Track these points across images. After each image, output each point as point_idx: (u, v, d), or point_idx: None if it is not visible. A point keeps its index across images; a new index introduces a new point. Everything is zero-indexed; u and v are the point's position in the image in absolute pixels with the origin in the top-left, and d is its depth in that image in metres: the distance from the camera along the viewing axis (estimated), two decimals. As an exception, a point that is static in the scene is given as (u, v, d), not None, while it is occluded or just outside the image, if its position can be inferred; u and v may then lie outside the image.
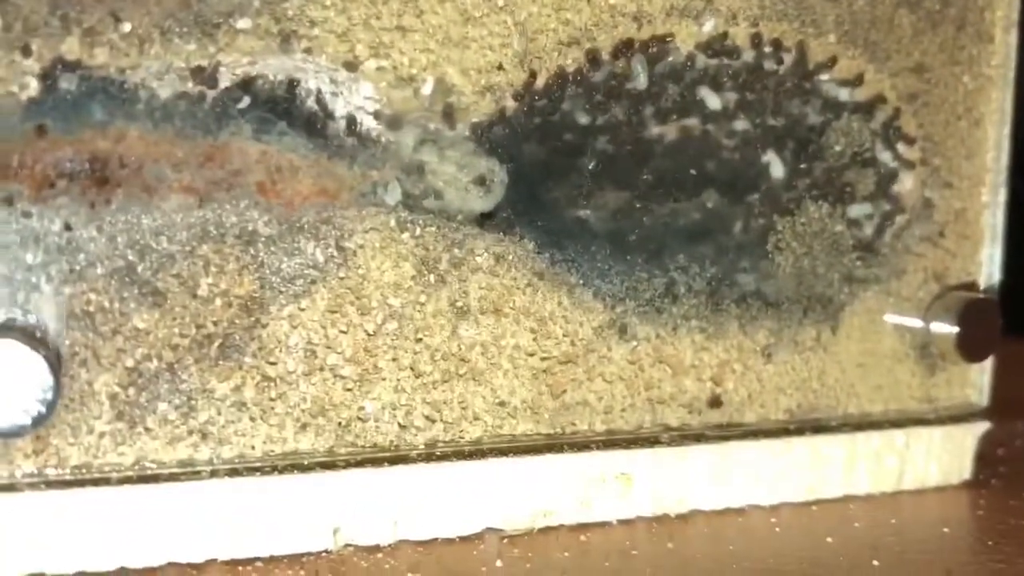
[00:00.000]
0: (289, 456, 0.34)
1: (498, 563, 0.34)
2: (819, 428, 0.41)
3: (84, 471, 0.32)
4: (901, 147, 0.41)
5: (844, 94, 0.40)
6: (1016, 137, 0.43)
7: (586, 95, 0.37)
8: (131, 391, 0.32)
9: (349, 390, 0.35)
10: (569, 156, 0.37)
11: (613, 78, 0.37)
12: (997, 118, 0.42)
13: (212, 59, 0.32)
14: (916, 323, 0.42)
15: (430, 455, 0.36)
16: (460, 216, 0.36)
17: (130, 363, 0.32)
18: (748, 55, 0.38)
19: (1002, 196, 0.43)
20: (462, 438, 0.36)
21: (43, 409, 0.30)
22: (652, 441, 0.38)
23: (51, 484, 0.32)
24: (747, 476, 0.40)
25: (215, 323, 0.33)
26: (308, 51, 0.33)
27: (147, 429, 0.33)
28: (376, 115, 0.34)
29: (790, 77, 0.39)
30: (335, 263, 0.34)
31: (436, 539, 0.36)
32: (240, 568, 0.33)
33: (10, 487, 0.32)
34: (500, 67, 0.35)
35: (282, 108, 0.33)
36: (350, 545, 0.35)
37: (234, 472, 0.33)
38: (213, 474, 0.33)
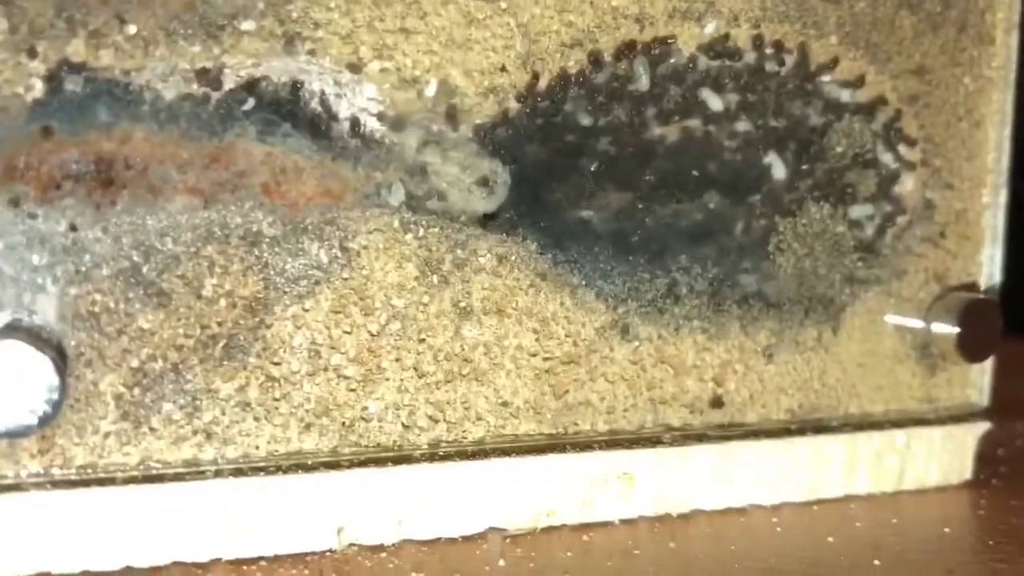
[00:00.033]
0: (293, 456, 0.34)
1: (501, 563, 0.34)
2: (820, 428, 0.41)
3: (89, 471, 0.32)
4: (902, 148, 0.41)
5: (845, 95, 0.40)
6: (1017, 138, 0.43)
7: (588, 97, 0.37)
8: (136, 391, 0.33)
9: (353, 390, 0.35)
10: (571, 157, 0.37)
11: (615, 80, 0.37)
12: (998, 119, 0.43)
13: (217, 61, 0.33)
14: (917, 323, 0.42)
15: (433, 455, 0.36)
16: (463, 217, 0.36)
17: (135, 363, 0.32)
18: (750, 57, 0.39)
19: (1003, 197, 0.43)
20: (465, 438, 0.36)
21: (49, 409, 0.31)
22: (654, 441, 0.39)
23: (56, 484, 0.32)
24: (749, 476, 0.40)
25: (220, 324, 0.33)
26: (312, 53, 0.33)
27: (152, 429, 0.33)
28: (380, 117, 0.34)
29: (792, 79, 0.39)
30: (339, 264, 0.34)
31: (439, 539, 0.36)
32: (244, 567, 0.33)
33: (16, 487, 0.32)
34: (503, 69, 0.36)
35: (286, 110, 0.33)
36: (354, 544, 0.35)
37: (238, 472, 0.34)
38: (217, 474, 0.33)
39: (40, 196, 0.31)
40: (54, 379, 0.30)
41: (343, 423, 0.35)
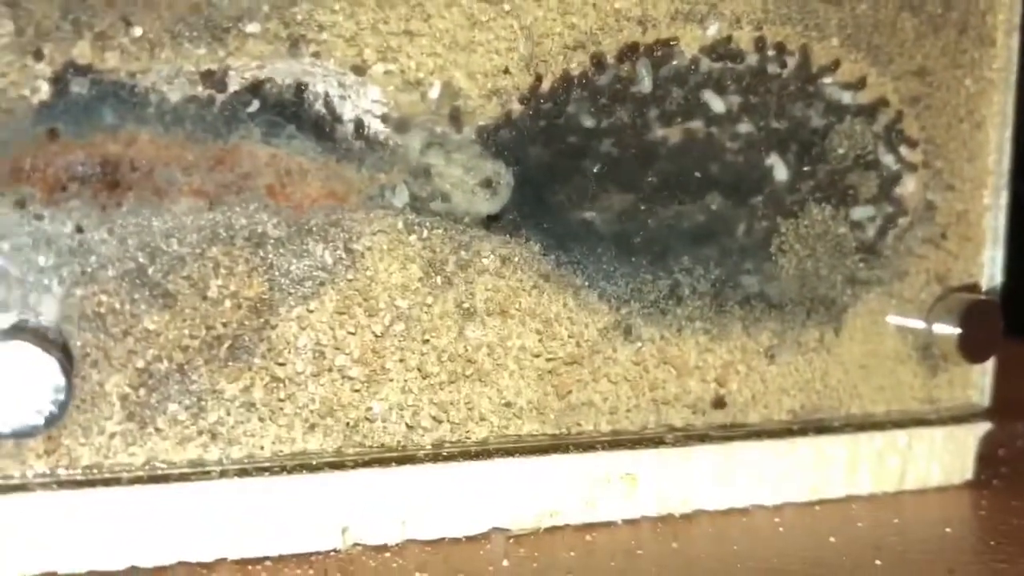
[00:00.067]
0: (298, 456, 0.34)
1: (504, 562, 0.35)
2: (822, 429, 0.41)
3: (95, 471, 0.33)
4: (903, 150, 0.41)
5: (847, 97, 0.40)
6: (1017, 140, 0.43)
7: (591, 98, 0.37)
8: (142, 392, 0.33)
9: (357, 391, 0.35)
10: (574, 159, 0.37)
11: (618, 81, 0.37)
12: (999, 121, 0.43)
13: (221, 63, 0.33)
14: (918, 324, 0.42)
15: (437, 455, 0.36)
16: (467, 218, 0.36)
17: (141, 364, 0.33)
18: (752, 59, 0.39)
19: (1004, 198, 0.43)
20: (468, 438, 0.36)
21: (55, 410, 0.31)
22: (657, 441, 0.39)
23: (63, 484, 0.32)
24: (751, 476, 0.40)
25: (225, 324, 0.33)
26: (316, 55, 0.34)
27: (157, 429, 0.33)
28: (384, 118, 0.35)
29: (793, 80, 0.39)
30: (343, 265, 0.34)
31: (443, 539, 0.36)
32: (249, 567, 0.34)
33: (22, 487, 0.32)
34: (506, 71, 0.36)
35: (291, 112, 0.33)
36: (358, 544, 0.35)
37: (243, 472, 0.34)
38: (223, 474, 0.34)
39: (46, 198, 0.31)
40: (60, 380, 0.31)
41: (347, 423, 0.35)
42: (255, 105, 0.33)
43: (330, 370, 0.35)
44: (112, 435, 0.33)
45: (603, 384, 0.38)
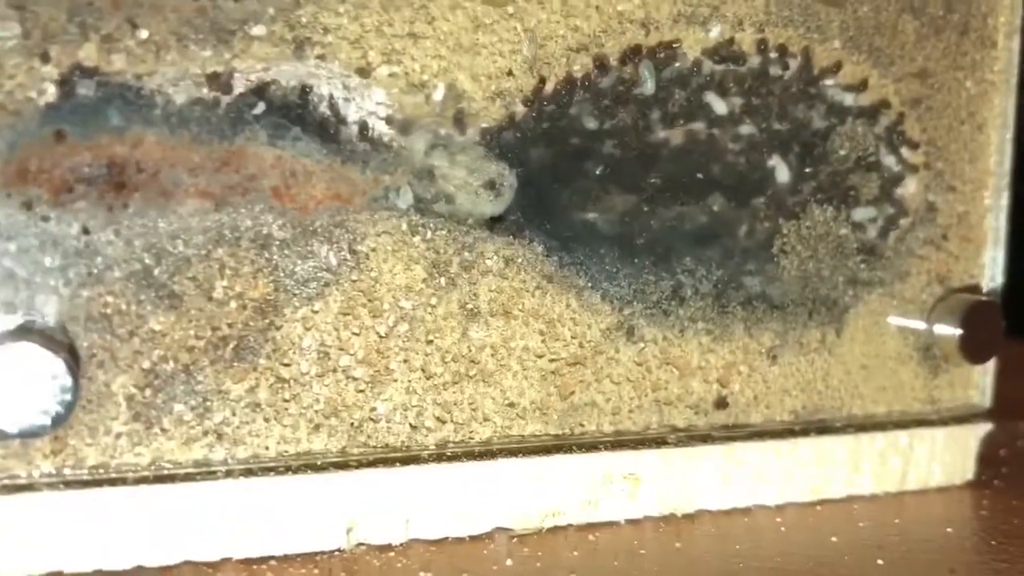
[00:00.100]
0: (302, 456, 0.35)
1: (508, 562, 0.35)
2: (824, 429, 0.41)
3: (101, 471, 0.33)
4: (905, 151, 0.42)
5: (849, 99, 0.41)
6: (1018, 141, 0.44)
7: (594, 100, 0.37)
8: (147, 392, 0.33)
9: (361, 391, 0.35)
10: (577, 160, 0.37)
11: (621, 83, 0.37)
12: (1000, 122, 0.43)
13: (227, 65, 0.33)
14: (919, 325, 0.42)
15: (441, 455, 0.36)
16: (470, 220, 0.36)
17: (147, 365, 0.33)
18: (754, 61, 0.39)
19: (1005, 200, 0.43)
20: (472, 439, 0.37)
21: (62, 410, 0.31)
22: (659, 442, 0.39)
23: (69, 484, 0.32)
24: (753, 476, 0.40)
25: (230, 325, 0.33)
26: (321, 57, 0.34)
27: (163, 430, 0.33)
28: (388, 120, 0.35)
29: (795, 82, 0.40)
30: (348, 266, 0.35)
31: (447, 538, 0.36)
32: (255, 567, 0.34)
33: (29, 487, 0.32)
34: (510, 73, 0.36)
35: (296, 114, 0.34)
36: (363, 544, 0.35)
37: (248, 472, 0.34)
38: (228, 474, 0.34)
39: (53, 199, 0.32)
40: (67, 380, 0.31)
41: (352, 424, 0.35)
42: (260, 107, 0.33)
43: (335, 371, 0.35)
44: (118, 435, 0.33)
45: (606, 384, 0.38)
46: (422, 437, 0.36)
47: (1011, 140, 0.43)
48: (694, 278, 0.39)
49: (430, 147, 0.35)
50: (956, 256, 0.43)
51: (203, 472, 0.34)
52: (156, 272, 0.33)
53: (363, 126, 0.34)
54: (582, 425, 0.38)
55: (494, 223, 0.36)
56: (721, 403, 0.40)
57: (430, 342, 0.36)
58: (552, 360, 0.37)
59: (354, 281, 0.35)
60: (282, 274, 0.34)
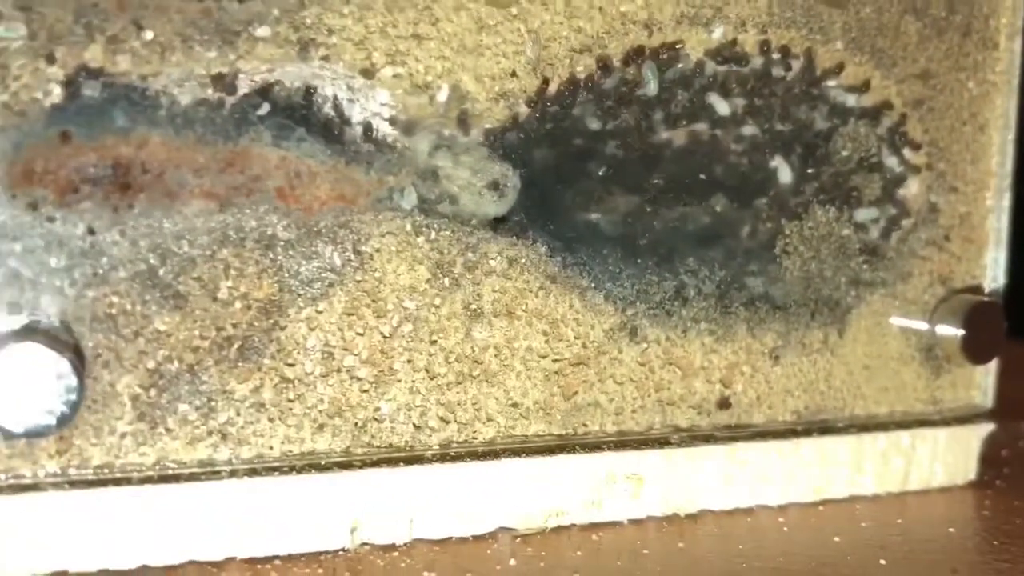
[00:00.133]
0: (307, 456, 0.35)
1: (512, 562, 0.35)
2: (826, 429, 0.41)
3: (106, 471, 0.33)
4: (907, 152, 0.42)
5: (851, 100, 0.41)
6: (1020, 142, 0.44)
7: (597, 101, 0.37)
8: (152, 392, 0.33)
9: (365, 391, 0.35)
10: (580, 161, 0.37)
11: (624, 84, 0.37)
12: (1001, 123, 0.43)
13: (232, 66, 0.33)
14: (922, 326, 0.42)
15: (444, 455, 0.36)
16: (474, 220, 0.36)
17: (152, 365, 0.33)
18: (757, 62, 0.39)
19: (1006, 200, 0.43)
20: (475, 439, 0.37)
21: (67, 410, 0.31)
22: (662, 442, 0.39)
23: (74, 484, 0.32)
24: (756, 477, 0.40)
25: (235, 325, 0.34)
26: (326, 58, 0.34)
27: (168, 430, 0.33)
28: (392, 121, 0.35)
29: (798, 83, 0.40)
30: (352, 266, 0.35)
31: (451, 538, 0.36)
32: (259, 566, 0.34)
33: (34, 486, 0.32)
34: (513, 74, 0.36)
35: (300, 115, 0.34)
36: (367, 544, 0.35)
37: (253, 472, 0.34)
38: (232, 474, 0.34)
39: (58, 200, 0.32)
40: (72, 380, 0.31)
41: (356, 424, 0.35)
42: (265, 108, 0.33)
43: (339, 371, 0.35)
44: (123, 435, 0.33)
45: (609, 385, 0.38)
46: (426, 437, 0.36)
47: (1013, 141, 0.43)
48: (697, 279, 0.39)
49: (434, 148, 0.35)
50: (958, 257, 0.43)
51: (207, 472, 0.34)
52: (161, 272, 0.33)
53: (367, 127, 0.35)
54: (585, 425, 0.38)
55: (498, 224, 0.36)
56: (724, 403, 0.40)
57: (434, 342, 0.36)
58: (555, 360, 0.37)
59: (358, 281, 0.35)
60: (286, 274, 0.34)
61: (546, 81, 0.36)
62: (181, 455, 0.33)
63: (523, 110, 0.36)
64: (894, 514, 0.40)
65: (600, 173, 0.38)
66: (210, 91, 0.33)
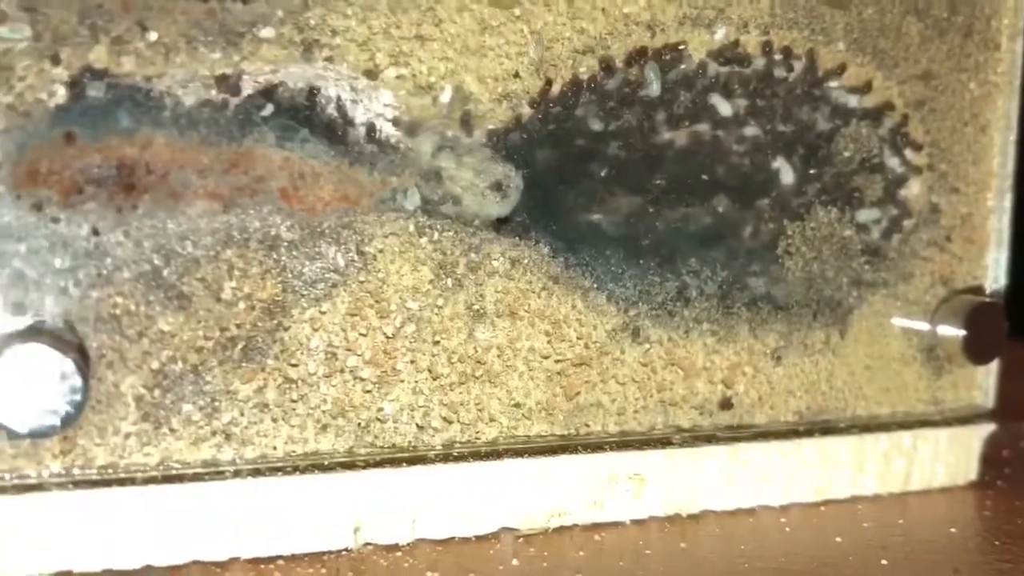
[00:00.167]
0: (310, 456, 0.35)
1: (514, 562, 0.35)
2: (828, 430, 0.41)
3: (110, 471, 0.33)
4: (909, 153, 0.42)
5: (853, 101, 0.41)
6: (1022, 143, 0.44)
7: (600, 102, 0.37)
8: (156, 393, 0.33)
9: (368, 392, 0.35)
10: (583, 162, 0.37)
11: (626, 85, 0.37)
12: (1003, 124, 0.43)
13: (236, 67, 0.33)
14: (923, 326, 0.42)
15: (447, 455, 0.36)
16: (477, 221, 0.36)
17: (156, 365, 0.33)
18: (759, 63, 0.39)
19: (1008, 201, 0.43)
20: (478, 439, 0.37)
21: (71, 410, 0.31)
22: (664, 442, 0.39)
23: (78, 484, 0.33)
24: (757, 477, 0.40)
25: (238, 326, 0.34)
26: (329, 60, 0.34)
27: (172, 430, 0.33)
28: (395, 122, 0.35)
29: (800, 84, 0.40)
30: (355, 267, 0.35)
31: (453, 538, 0.36)
32: (262, 566, 0.34)
33: (39, 486, 0.32)
34: (516, 75, 0.36)
35: (304, 115, 0.34)
36: (370, 544, 0.35)
37: (256, 472, 0.34)
38: (236, 474, 0.34)
39: (63, 200, 0.32)
40: (76, 381, 0.31)
41: (359, 424, 0.35)
42: (269, 109, 0.33)
43: (342, 371, 0.35)
44: (127, 435, 0.33)
45: (611, 385, 0.38)
46: (429, 437, 0.36)
47: (1014, 142, 0.43)
48: (699, 279, 0.39)
49: (437, 149, 0.35)
50: (959, 257, 0.43)
51: (211, 472, 0.34)
52: (165, 273, 0.33)
53: (370, 128, 0.35)
54: (587, 425, 0.38)
55: (500, 224, 0.36)
56: (726, 404, 0.40)
57: (437, 343, 0.36)
58: (558, 361, 0.37)
59: (361, 282, 0.35)
60: (290, 275, 0.34)
61: (549, 82, 0.37)
62: (185, 455, 0.34)
63: (526, 111, 0.36)
64: (896, 514, 0.40)
65: (603, 174, 0.38)
66: (214, 92, 0.33)
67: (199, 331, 0.33)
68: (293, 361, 0.34)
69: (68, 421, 0.31)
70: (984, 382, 0.44)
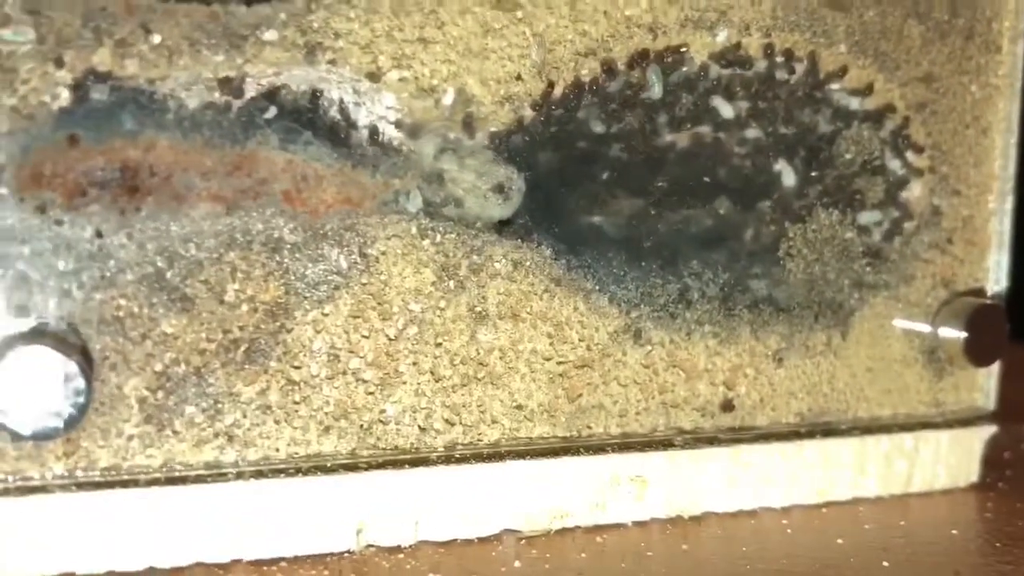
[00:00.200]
0: (312, 458, 0.35)
1: (516, 564, 0.35)
2: (829, 431, 0.41)
3: (113, 473, 0.33)
4: (910, 155, 0.42)
5: (854, 103, 0.41)
6: (1023, 145, 0.44)
7: (602, 104, 0.37)
8: (159, 395, 0.33)
9: (371, 393, 0.35)
10: (585, 164, 0.37)
11: (628, 88, 0.38)
12: (1004, 127, 0.43)
13: (239, 70, 0.33)
14: (924, 328, 0.42)
15: (449, 457, 0.36)
16: (479, 223, 0.36)
17: (159, 367, 0.33)
18: (760, 65, 0.39)
19: (1009, 203, 0.43)
20: (480, 441, 0.37)
21: (74, 412, 0.31)
22: (666, 444, 0.39)
23: (81, 486, 0.33)
24: (759, 479, 0.40)
25: (241, 328, 0.34)
26: (332, 62, 0.34)
27: (175, 432, 0.33)
28: (398, 125, 0.35)
29: (801, 86, 0.40)
30: (358, 269, 0.35)
31: (456, 540, 0.36)
32: (265, 568, 0.34)
33: (42, 488, 0.32)
34: (518, 77, 0.36)
35: (307, 118, 0.34)
36: (372, 545, 0.35)
37: (259, 474, 0.34)
38: (239, 476, 0.34)
39: (66, 203, 0.32)
40: (80, 383, 0.31)
41: (361, 426, 0.35)
42: (272, 111, 0.33)
43: (344, 373, 0.35)
44: (130, 437, 0.33)
45: (613, 387, 0.38)
46: (431, 439, 0.36)
47: (1015, 144, 0.43)
48: (701, 281, 0.39)
49: (439, 151, 0.35)
50: (961, 260, 0.43)
51: (214, 474, 0.34)
52: (168, 275, 0.33)
53: (373, 130, 0.35)
54: (589, 427, 0.38)
55: (502, 226, 0.36)
56: (727, 405, 0.40)
57: (439, 345, 0.36)
58: (560, 363, 0.38)
59: (364, 284, 0.35)
60: (293, 277, 0.34)
61: (551, 84, 0.37)
62: (188, 457, 0.34)
63: (528, 113, 0.36)
64: (897, 516, 0.40)
65: (604, 176, 0.38)
66: (217, 95, 0.33)
67: (202, 333, 0.33)
68: (296, 363, 0.34)
69: (71, 423, 0.31)
70: (985, 384, 0.44)
